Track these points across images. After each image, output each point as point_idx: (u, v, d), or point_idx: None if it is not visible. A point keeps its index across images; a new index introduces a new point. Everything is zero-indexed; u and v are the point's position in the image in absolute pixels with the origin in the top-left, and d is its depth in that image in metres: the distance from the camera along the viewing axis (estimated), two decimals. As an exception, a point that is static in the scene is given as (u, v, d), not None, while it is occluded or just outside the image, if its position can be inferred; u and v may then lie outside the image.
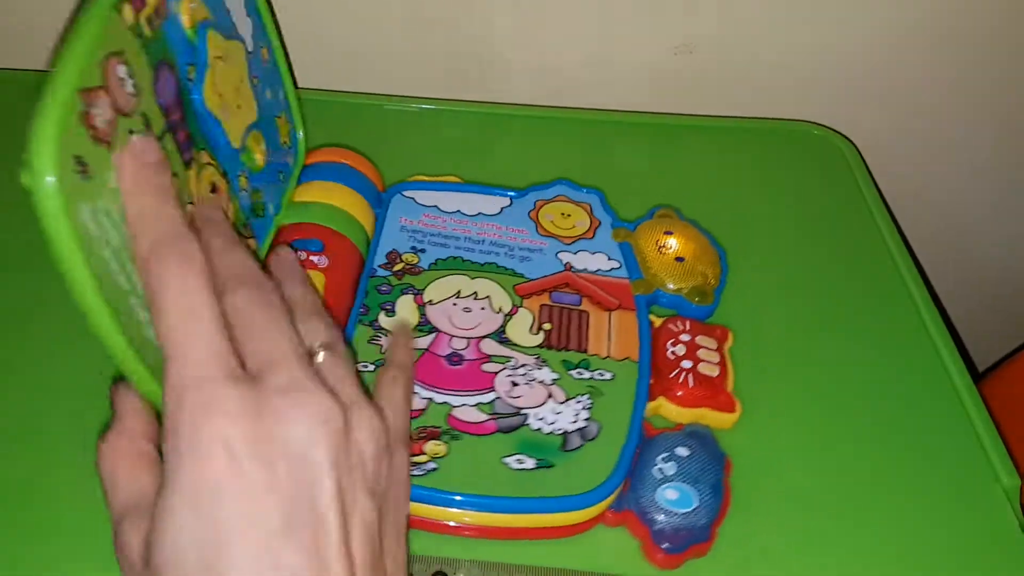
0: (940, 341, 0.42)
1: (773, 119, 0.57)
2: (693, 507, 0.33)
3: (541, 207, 0.45)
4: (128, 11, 0.26)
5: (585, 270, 0.42)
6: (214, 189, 0.33)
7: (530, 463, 0.33)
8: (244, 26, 0.37)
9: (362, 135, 0.48)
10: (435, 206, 0.44)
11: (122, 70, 0.25)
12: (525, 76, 0.57)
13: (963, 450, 0.38)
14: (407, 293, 0.39)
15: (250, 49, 0.37)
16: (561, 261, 0.42)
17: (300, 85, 0.54)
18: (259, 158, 0.37)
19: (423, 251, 0.41)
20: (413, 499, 0.32)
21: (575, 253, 0.43)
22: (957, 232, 0.68)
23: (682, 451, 0.35)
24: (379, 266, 0.40)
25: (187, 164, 0.30)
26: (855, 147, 0.54)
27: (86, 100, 0.23)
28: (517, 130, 0.53)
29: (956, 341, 0.43)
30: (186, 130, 0.30)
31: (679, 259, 0.42)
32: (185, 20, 0.31)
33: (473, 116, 0.54)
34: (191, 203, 0.30)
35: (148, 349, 0.24)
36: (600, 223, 0.44)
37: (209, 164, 0.32)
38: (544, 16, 0.53)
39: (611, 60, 0.56)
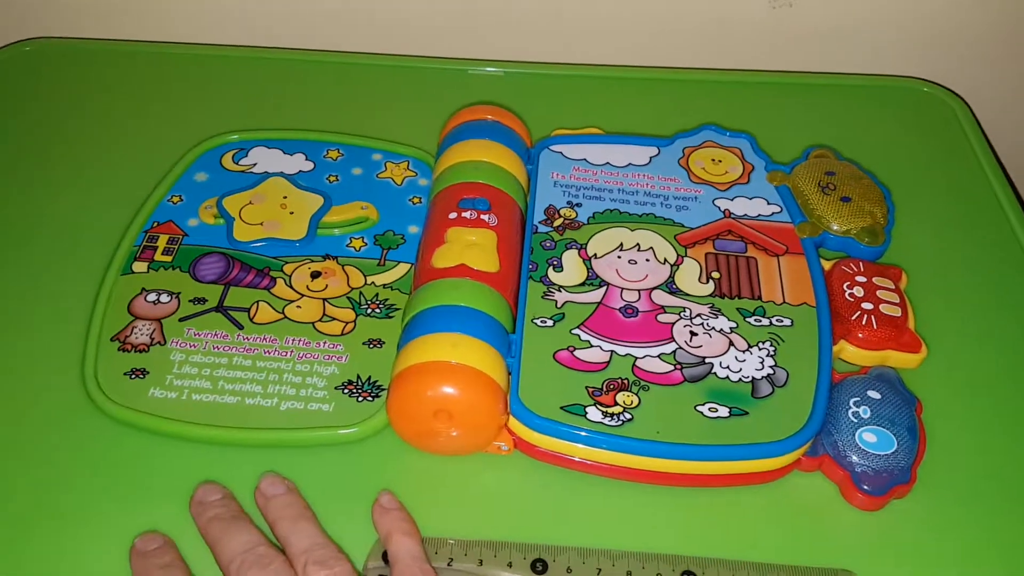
0: None
1: (878, 75, 0.53)
2: (893, 449, 0.32)
3: (690, 154, 0.44)
4: None
5: (745, 216, 0.41)
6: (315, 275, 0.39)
7: (723, 411, 0.33)
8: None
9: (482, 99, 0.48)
10: (584, 159, 0.44)
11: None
12: (620, 37, 0.55)
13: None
14: (571, 248, 0.39)
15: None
16: (719, 208, 0.41)
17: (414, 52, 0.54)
18: (369, 214, 0.42)
19: (579, 205, 0.41)
20: (611, 448, 0.32)
21: (732, 199, 0.42)
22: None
23: (873, 394, 0.34)
24: (539, 222, 0.40)
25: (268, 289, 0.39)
26: (967, 105, 0.51)
27: None
28: (616, 91, 0.52)
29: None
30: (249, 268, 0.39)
31: (845, 199, 0.41)
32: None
33: (578, 79, 0.52)
34: None
35: None
36: (753, 167, 0.43)
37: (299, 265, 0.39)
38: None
39: (705, 17, 0.54)
